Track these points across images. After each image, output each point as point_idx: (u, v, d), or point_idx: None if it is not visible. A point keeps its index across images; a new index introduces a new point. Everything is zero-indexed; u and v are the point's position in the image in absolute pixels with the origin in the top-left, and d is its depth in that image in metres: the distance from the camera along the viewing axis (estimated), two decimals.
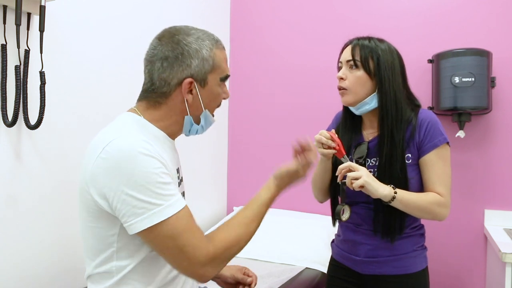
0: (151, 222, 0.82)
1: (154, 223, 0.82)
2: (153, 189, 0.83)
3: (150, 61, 0.96)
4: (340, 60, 1.30)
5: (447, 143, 1.23)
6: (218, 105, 1.04)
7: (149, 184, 0.83)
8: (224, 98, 1.04)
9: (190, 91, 0.95)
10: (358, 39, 1.27)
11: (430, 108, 2.07)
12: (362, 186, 1.12)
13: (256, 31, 2.56)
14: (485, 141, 2.05)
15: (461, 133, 1.99)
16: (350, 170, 1.15)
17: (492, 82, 1.96)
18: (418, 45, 2.15)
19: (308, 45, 2.41)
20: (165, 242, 0.84)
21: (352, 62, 1.24)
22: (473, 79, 1.88)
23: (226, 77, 1.01)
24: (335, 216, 1.25)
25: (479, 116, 2.04)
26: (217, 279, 1.20)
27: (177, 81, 0.94)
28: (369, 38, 1.27)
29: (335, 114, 1.47)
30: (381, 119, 1.24)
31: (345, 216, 1.24)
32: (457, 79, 1.90)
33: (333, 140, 1.19)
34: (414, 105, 1.29)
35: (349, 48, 1.27)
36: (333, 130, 1.25)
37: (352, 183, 1.13)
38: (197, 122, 1.01)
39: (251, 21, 2.57)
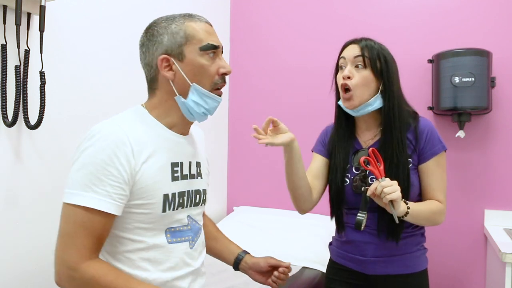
0: (64, 199, 0.86)
1: (64, 201, 0.85)
2: (84, 173, 0.84)
3: (140, 55, 1.00)
4: (343, 55, 1.26)
5: (445, 150, 1.25)
6: (223, 81, 0.98)
7: (86, 167, 0.84)
8: (225, 74, 0.97)
9: (170, 68, 0.93)
10: (366, 39, 1.25)
11: (430, 108, 2.07)
12: (392, 200, 1.08)
13: (256, 31, 2.56)
14: (485, 141, 2.05)
15: (461, 133, 1.99)
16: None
17: (492, 82, 1.96)
18: (418, 45, 2.15)
19: (308, 45, 2.41)
20: (61, 222, 0.86)
21: (360, 58, 1.21)
22: (473, 79, 1.88)
23: (208, 46, 0.93)
24: (356, 226, 1.15)
25: (479, 116, 2.04)
26: (249, 270, 1.15)
27: (156, 61, 0.94)
28: (373, 41, 1.26)
29: (334, 113, 1.45)
30: (385, 120, 1.23)
31: (364, 224, 1.16)
32: (457, 79, 1.90)
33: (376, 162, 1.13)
34: (411, 110, 1.29)
35: (356, 46, 1.24)
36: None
37: (382, 195, 1.08)
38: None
39: (251, 21, 2.57)
